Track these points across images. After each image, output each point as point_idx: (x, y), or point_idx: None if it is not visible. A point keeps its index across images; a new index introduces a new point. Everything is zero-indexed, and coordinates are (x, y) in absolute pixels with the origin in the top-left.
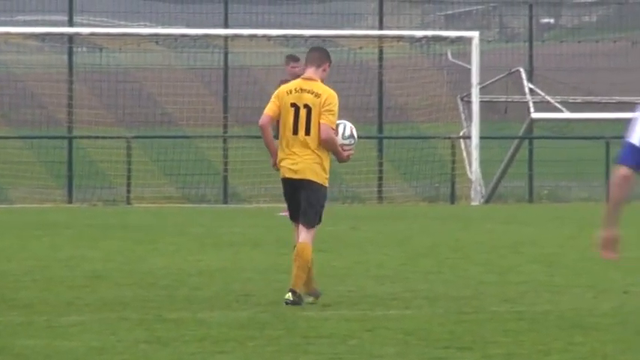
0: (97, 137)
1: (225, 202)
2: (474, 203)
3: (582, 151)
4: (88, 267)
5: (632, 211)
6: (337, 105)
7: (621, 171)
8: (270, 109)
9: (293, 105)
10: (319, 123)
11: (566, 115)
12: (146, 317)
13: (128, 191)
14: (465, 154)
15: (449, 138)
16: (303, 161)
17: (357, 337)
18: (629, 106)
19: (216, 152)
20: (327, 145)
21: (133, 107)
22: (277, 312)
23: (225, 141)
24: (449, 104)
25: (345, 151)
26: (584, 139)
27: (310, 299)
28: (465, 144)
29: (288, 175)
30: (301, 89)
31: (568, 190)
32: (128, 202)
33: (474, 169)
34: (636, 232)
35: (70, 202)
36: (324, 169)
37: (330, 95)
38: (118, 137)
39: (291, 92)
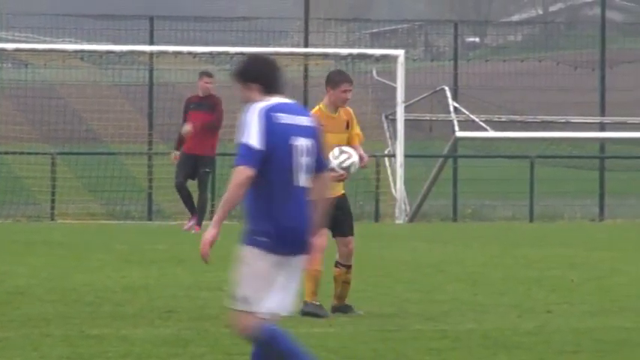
0: (22, 153)
1: (150, 219)
2: (398, 222)
3: (506, 170)
4: (12, 283)
5: (559, 230)
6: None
7: (247, 171)
8: None
9: None
10: None
11: (491, 133)
12: (69, 333)
13: (52, 207)
14: (389, 172)
15: (374, 156)
16: None
17: None
18: (554, 126)
19: (140, 169)
20: None
21: (57, 123)
22: (201, 329)
23: (149, 158)
24: (374, 122)
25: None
26: (509, 158)
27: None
28: (390, 162)
29: None
30: None
31: (492, 209)
32: (52, 219)
33: (398, 188)
34: (562, 252)
35: None
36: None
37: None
38: (43, 153)
39: None
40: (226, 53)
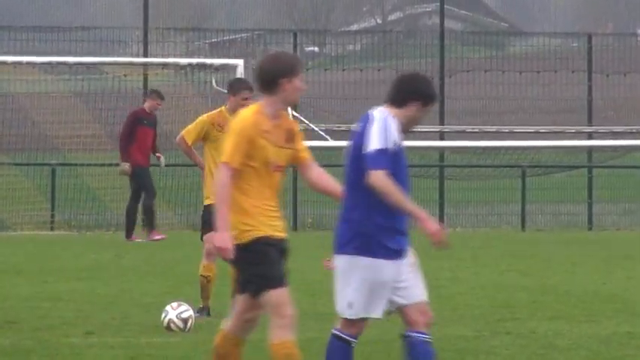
0: None
1: None
2: None
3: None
4: None
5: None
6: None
7: (383, 174)
8: None
9: None
10: None
11: (331, 143)
12: None
13: None
14: None
15: None
16: None
17: None
18: None
19: None
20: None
21: None
22: (41, 339)
23: None
24: None
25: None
26: None
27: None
28: None
29: None
30: None
31: (332, 218)
32: None
33: None
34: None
35: None
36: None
37: None
38: None
39: None
40: (65, 63)
